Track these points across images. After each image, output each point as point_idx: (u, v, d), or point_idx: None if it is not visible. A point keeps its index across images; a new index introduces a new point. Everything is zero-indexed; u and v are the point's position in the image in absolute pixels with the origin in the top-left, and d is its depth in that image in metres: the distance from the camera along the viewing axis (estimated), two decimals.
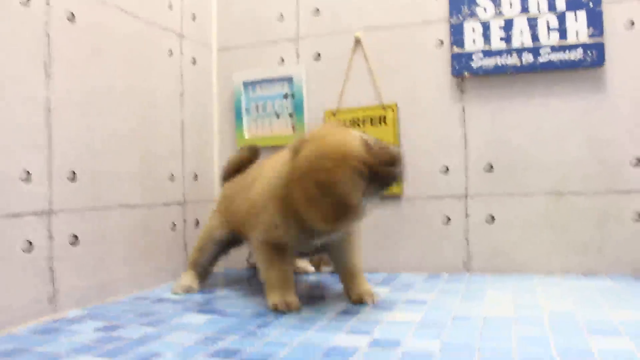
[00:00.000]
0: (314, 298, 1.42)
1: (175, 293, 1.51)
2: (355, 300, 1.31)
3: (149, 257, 1.62)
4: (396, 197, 1.77)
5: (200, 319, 1.24)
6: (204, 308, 1.34)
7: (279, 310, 1.23)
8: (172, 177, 1.75)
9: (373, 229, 1.78)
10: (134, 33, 1.60)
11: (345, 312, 1.25)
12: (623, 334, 1.00)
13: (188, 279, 1.55)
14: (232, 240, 1.58)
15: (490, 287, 1.48)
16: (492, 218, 1.69)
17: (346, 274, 1.35)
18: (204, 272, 1.58)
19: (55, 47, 1.33)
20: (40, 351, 1.01)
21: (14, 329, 1.17)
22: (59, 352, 1.00)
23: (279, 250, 1.28)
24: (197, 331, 1.12)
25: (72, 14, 1.38)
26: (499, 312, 1.20)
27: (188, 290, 1.52)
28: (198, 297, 1.47)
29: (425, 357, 0.90)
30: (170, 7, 1.78)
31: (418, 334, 1.05)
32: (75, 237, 1.37)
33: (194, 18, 1.91)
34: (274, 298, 1.26)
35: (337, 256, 1.36)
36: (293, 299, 1.26)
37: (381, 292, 1.46)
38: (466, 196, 1.71)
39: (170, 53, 1.78)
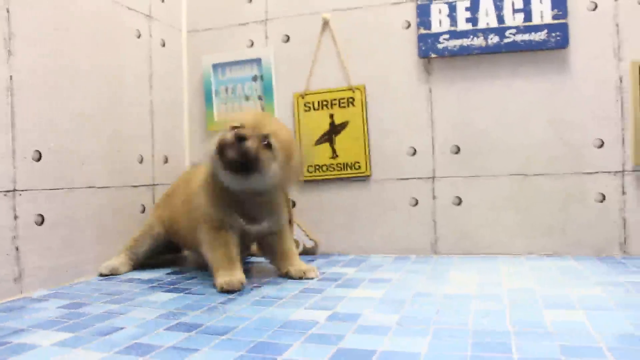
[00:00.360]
0: (278, 279, 1.43)
1: (100, 273, 1.51)
2: (297, 276, 1.39)
3: (118, 238, 1.62)
4: (364, 179, 1.77)
5: (165, 296, 1.24)
6: (171, 287, 1.34)
7: (225, 290, 1.24)
8: (141, 159, 1.74)
9: (341, 211, 1.80)
10: (100, 12, 1.59)
11: (309, 290, 1.26)
12: (577, 308, 1.02)
13: (117, 260, 1.55)
14: (169, 241, 1.62)
15: (455, 267, 1.50)
16: (459, 200, 1.70)
17: (283, 255, 1.43)
18: (135, 260, 1.59)
19: (15, 23, 1.31)
20: (1, 326, 1.01)
21: None
22: (20, 328, 1.00)
23: (221, 233, 1.32)
24: (161, 307, 1.13)
25: None
26: (460, 290, 1.22)
27: (113, 272, 1.52)
28: (166, 278, 1.47)
29: (382, 329, 0.92)
30: None
31: (378, 309, 1.06)
32: (41, 217, 1.36)
33: (162, 0, 1.90)
34: (220, 278, 1.26)
35: (271, 242, 1.44)
36: (239, 277, 1.27)
37: (348, 272, 1.47)
38: (433, 178, 1.72)
39: (139, 34, 1.77)
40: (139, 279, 1.47)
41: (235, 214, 1.32)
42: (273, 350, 0.82)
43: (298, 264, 1.42)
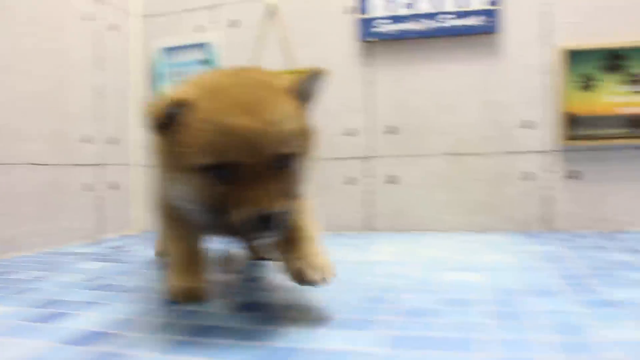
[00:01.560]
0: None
1: None
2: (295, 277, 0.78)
3: (60, 215, 1.66)
4: None
5: (96, 265, 1.29)
6: (105, 258, 1.39)
7: (177, 301, 0.88)
8: (87, 139, 1.78)
9: None
10: None
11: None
12: (480, 271, 1.09)
13: None
14: None
15: (382, 241, 1.56)
16: (394, 178, 1.76)
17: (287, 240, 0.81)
18: None
19: None
20: None
21: None
22: None
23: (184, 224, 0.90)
24: (88, 273, 1.18)
25: None
26: (377, 258, 1.28)
27: None
28: (103, 251, 1.51)
29: (288, 289, 0.97)
30: None
31: None
32: None
33: None
34: (173, 282, 0.90)
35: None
36: (198, 285, 0.89)
37: None
38: (370, 157, 1.78)
39: (86, 17, 1.81)
40: (76, 252, 1.51)
41: None
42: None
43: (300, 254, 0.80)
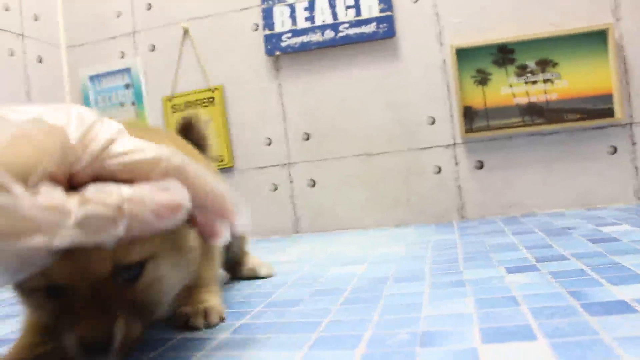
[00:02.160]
0: None
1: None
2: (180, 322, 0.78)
3: None
4: (228, 170, 1.93)
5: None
6: None
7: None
8: None
9: None
10: None
11: None
12: (364, 263, 1.17)
13: None
14: None
15: (305, 242, 1.66)
16: (313, 182, 1.87)
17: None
18: None
19: None
20: None
21: None
22: None
23: None
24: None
25: None
26: (283, 258, 1.37)
27: None
28: None
29: None
30: (7, 9, 1.90)
31: None
32: None
33: (36, 19, 2.03)
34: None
35: None
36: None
37: None
38: (289, 164, 1.88)
39: (11, 53, 1.90)
40: None
41: None
42: None
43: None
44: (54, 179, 0.49)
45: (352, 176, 1.83)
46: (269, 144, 1.90)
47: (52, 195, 0.47)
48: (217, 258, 0.93)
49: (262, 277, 1.14)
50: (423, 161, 1.78)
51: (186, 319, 0.76)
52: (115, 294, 0.58)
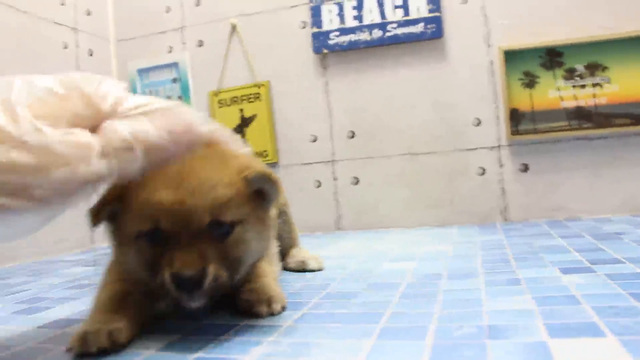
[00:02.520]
0: None
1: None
2: (243, 308, 0.81)
3: (55, 227, 1.78)
4: (273, 166, 1.95)
5: (82, 269, 1.42)
6: (90, 264, 1.52)
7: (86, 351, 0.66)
8: None
9: None
10: (24, 28, 1.77)
11: None
12: (414, 260, 1.18)
13: None
14: None
15: (348, 239, 1.67)
16: (357, 180, 1.88)
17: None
18: None
19: None
20: None
21: None
22: None
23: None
24: (72, 276, 1.31)
25: None
26: (331, 253, 1.38)
27: None
28: (91, 257, 1.64)
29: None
30: (62, 4, 1.95)
31: None
32: None
33: (88, 13, 2.08)
34: (83, 326, 0.70)
35: None
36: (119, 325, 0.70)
37: None
38: (333, 161, 1.90)
39: (65, 46, 1.94)
40: (66, 260, 1.64)
41: None
42: None
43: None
44: (78, 126, 0.60)
45: (396, 175, 1.84)
46: (314, 140, 1.92)
47: (78, 135, 0.59)
48: (276, 251, 1.01)
49: (311, 270, 1.16)
50: (467, 162, 1.78)
51: (250, 306, 0.79)
52: (209, 244, 0.70)
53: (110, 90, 0.64)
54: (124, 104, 0.64)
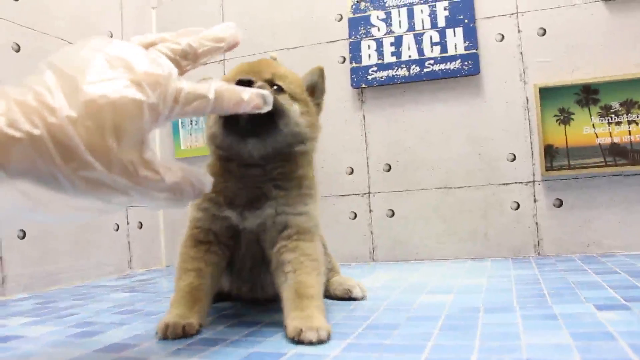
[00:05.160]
0: None
1: None
2: (292, 334, 0.84)
3: (93, 253, 1.86)
4: None
5: (124, 295, 1.47)
6: (133, 290, 1.57)
7: (166, 337, 0.88)
8: None
9: None
10: None
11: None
12: (451, 293, 1.21)
13: None
14: None
15: (383, 270, 1.70)
16: (392, 212, 1.92)
17: (288, 296, 0.92)
18: None
19: None
20: None
21: None
22: None
23: (199, 249, 0.98)
24: (116, 301, 1.36)
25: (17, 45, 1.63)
26: (368, 284, 1.41)
27: None
28: (131, 283, 1.70)
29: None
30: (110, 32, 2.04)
31: None
32: (23, 231, 1.60)
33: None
34: (166, 317, 0.90)
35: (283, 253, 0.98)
36: (192, 320, 0.90)
37: None
38: (369, 193, 1.94)
39: None
40: (107, 285, 1.70)
41: (225, 206, 0.97)
42: None
43: (295, 315, 0.88)
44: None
45: (431, 208, 1.87)
46: (351, 172, 1.96)
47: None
48: (324, 276, 1.03)
49: (355, 299, 1.19)
50: (502, 196, 1.81)
51: (299, 333, 0.83)
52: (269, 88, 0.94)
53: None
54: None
